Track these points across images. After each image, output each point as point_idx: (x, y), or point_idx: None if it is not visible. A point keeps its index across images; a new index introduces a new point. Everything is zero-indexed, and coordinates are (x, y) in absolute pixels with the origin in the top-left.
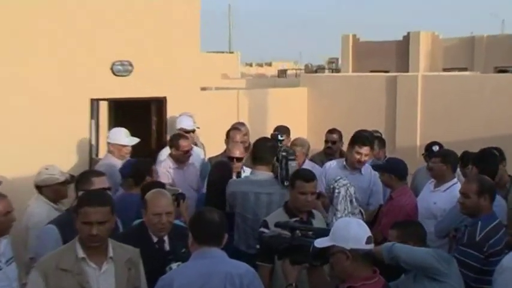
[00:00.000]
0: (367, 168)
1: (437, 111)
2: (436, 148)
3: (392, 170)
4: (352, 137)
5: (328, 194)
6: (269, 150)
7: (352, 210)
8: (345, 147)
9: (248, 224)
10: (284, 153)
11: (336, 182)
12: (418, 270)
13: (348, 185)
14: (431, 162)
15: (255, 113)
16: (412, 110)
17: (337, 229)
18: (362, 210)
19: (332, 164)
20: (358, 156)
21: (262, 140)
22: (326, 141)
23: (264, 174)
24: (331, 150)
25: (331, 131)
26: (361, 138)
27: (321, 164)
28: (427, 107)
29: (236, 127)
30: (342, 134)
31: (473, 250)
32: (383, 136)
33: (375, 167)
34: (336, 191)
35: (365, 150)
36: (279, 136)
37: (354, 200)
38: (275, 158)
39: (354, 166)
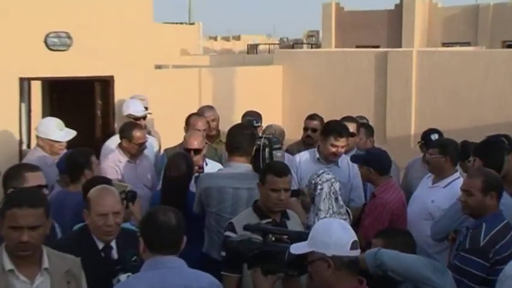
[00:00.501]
0: (343, 160)
1: (435, 94)
2: (435, 136)
3: (372, 162)
4: (326, 126)
5: (309, 191)
6: (247, 138)
7: (337, 209)
8: None
9: (224, 225)
10: (266, 141)
11: (318, 176)
12: (407, 280)
13: (333, 180)
14: (428, 153)
15: (220, 95)
16: (406, 92)
17: (317, 233)
18: (349, 210)
19: (303, 156)
20: (333, 149)
21: (238, 127)
22: (305, 129)
23: (242, 166)
24: (311, 140)
25: (311, 117)
26: (337, 128)
27: None
28: (423, 89)
29: (198, 112)
30: (323, 121)
31: (477, 257)
32: (371, 123)
33: (353, 158)
34: (319, 187)
35: (342, 142)
36: (255, 122)
37: (339, 197)
38: (255, 147)
39: (329, 159)
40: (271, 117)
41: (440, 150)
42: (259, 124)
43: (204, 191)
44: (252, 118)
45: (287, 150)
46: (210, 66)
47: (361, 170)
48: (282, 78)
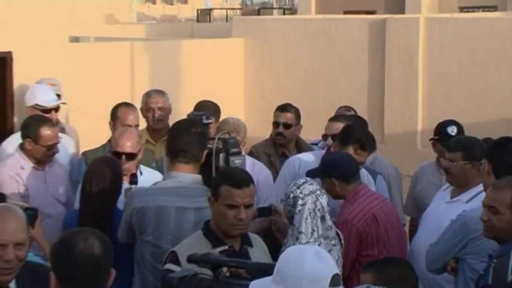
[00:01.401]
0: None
1: (449, 76)
2: (452, 130)
3: (331, 170)
4: (346, 131)
5: (286, 208)
6: (195, 139)
7: (324, 232)
8: (308, 133)
9: (163, 258)
10: (220, 144)
11: (298, 188)
12: None
13: (318, 192)
14: (447, 159)
15: (160, 78)
16: (411, 73)
17: (285, 264)
18: (340, 233)
19: (306, 160)
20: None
21: (183, 124)
22: (275, 124)
23: (189, 177)
24: (282, 139)
25: (283, 108)
26: (361, 138)
27: (267, 158)
28: (433, 69)
29: (129, 103)
30: (299, 113)
31: None
32: (364, 116)
33: (309, 174)
34: (299, 202)
35: (362, 157)
36: (204, 119)
37: (327, 215)
38: (206, 152)
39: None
40: (230, 107)
41: (464, 155)
42: (211, 121)
43: (136, 213)
44: (199, 113)
45: (250, 153)
46: (147, 39)
47: (324, 186)
48: (243, 55)
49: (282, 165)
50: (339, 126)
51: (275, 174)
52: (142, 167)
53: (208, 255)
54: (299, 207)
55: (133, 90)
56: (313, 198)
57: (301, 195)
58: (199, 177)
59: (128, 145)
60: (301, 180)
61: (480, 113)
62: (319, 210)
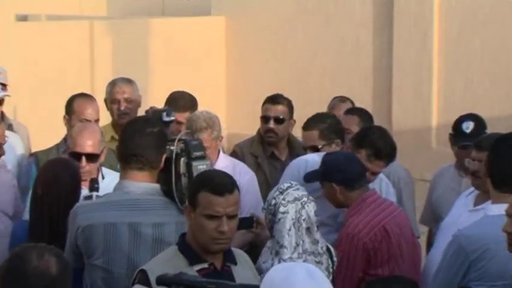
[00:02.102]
0: (378, 180)
1: (471, 59)
2: (468, 127)
3: (332, 173)
4: (363, 134)
5: (267, 217)
6: (152, 141)
7: (311, 246)
8: (300, 130)
9: (115, 286)
10: (180, 147)
11: (281, 193)
12: None
13: (304, 199)
14: (473, 157)
15: (125, 64)
16: (423, 55)
17: (270, 285)
18: (331, 247)
19: (314, 160)
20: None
21: (137, 123)
22: (264, 119)
23: (144, 186)
24: (273, 136)
25: (273, 100)
26: (377, 144)
27: (254, 160)
28: (451, 51)
29: (87, 94)
30: (292, 105)
31: None
32: (367, 108)
33: (307, 178)
34: (280, 210)
35: (378, 166)
36: (164, 116)
37: (314, 227)
38: (164, 156)
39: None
40: (209, 100)
41: (494, 155)
42: (173, 118)
43: (82, 233)
44: (159, 109)
45: (234, 154)
46: (109, 17)
47: (323, 191)
48: (224, 36)
49: (272, 169)
50: (356, 120)
51: (263, 178)
52: (105, 170)
53: (182, 275)
54: (279, 216)
55: (93, 79)
56: (297, 206)
57: (283, 202)
58: (156, 186)
59: (88, 144)
60: (286, 185)
61: (508, 104)
62: (304, 220)
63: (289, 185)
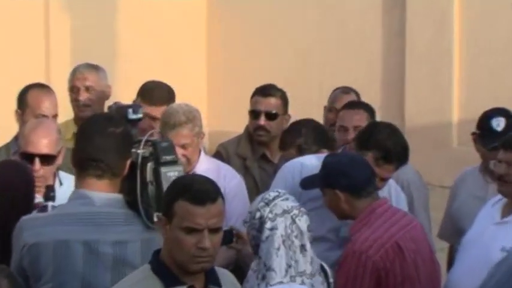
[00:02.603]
0: (387, 186)
1: (497, 43)
2: (498, 124)
3: (335, 178)
4: (369, 132)
5: (250, 233)
6: (114, 144)
7: (305, 268)
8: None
9: None
10: (148, 153)
11: (267, 204)
12: None
13: (295, 212)
14: (500, 159)
15: (87, 48)
16: (442, 41)
17: None
18: (326, 267)
19: (312, 162)
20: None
21: (97, 122)
22: (253, 114)
23: (103, 197)
24: (265, 135)
25: (266, 92)
26: (387, 144)
27: (242, 162)
28: (474, 36)
29: (43, 84)
30: (286, 97)
31: None
32: (375, 102)
33: (305, 183)
34: (267, 226)
35: (388, 171)
36: (131, 113)
37: (308, 244)
38: (129, 161)
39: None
40: (188, 91)
41: None
42: (141, 115)
43: (28, 252)
44: (123, 105)
45: (217, 154)
46: None
47: (324, 200)
48: (206, 19)
49: (262, 173)
50: (362, 117)
51: (252, 184)
52: (63, 174)
53: None
54: (267, 233)
55: (49, 66)
56: (287, 221)
57: (270, 216)
58: (118, 197)
59: (43, 143)
60: (272, 194)
61: None
62: (296, 237)
63: (276, 194)
